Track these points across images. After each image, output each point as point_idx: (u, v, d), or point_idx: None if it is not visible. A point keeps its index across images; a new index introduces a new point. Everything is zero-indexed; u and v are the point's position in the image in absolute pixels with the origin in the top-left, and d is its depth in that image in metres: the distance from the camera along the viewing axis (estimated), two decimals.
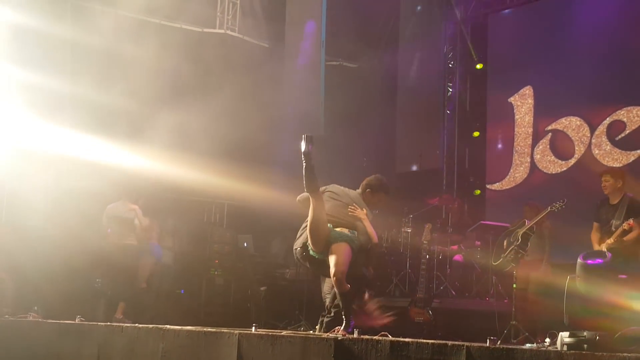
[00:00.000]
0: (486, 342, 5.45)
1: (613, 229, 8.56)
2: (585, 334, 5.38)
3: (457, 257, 12.26)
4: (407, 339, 5.62)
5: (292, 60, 15.05)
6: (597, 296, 6.89)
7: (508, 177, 14.15)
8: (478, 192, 14.79)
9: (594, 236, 8.89)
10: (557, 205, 9.55)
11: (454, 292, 11.81)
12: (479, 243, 12.15)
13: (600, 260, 7.48)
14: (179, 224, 13.32)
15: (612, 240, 8.39)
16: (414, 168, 15.11)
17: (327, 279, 7.85)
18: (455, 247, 12.39)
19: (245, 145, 13.24)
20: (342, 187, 7.78)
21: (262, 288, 12.55)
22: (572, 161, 13.23)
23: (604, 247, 8.39)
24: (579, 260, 7.46)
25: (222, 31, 15.01)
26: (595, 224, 8.99)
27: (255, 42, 15.37)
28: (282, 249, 13.42)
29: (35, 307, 9.77)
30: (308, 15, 14.89)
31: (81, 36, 12.47)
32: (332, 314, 7.51)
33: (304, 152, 6.96)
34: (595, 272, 7.16)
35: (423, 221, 12.06)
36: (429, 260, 11.29)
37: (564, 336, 5.44)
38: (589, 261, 7.34)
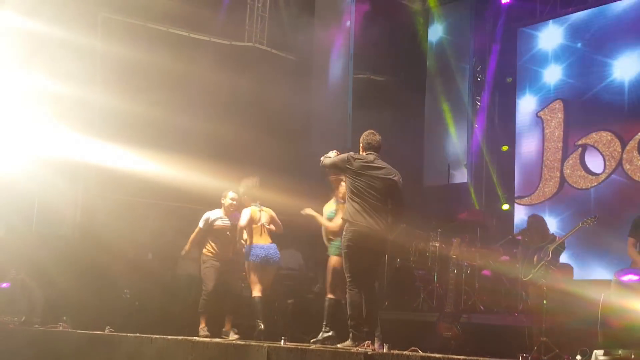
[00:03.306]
0: (518, 359, 5.40)
1: None
2: (620, 352, 5.32)
3: (486, 272, 12.16)
4: (437, 355, 5.57)
5: (320, 73, 15.08)
6: (632, 313, 6.80)
7: (537, 191, 14.04)
8: (507, 207, 14.71)
9: (633, 251, 8.77)
10: (588, 220, 9.45)
11: (482, 307, 11.72)
12: (507, 258, 12.05)
13: (636, 278, 7.39)
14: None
15: None
16: (442, 182, 15.05)
17: None
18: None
19: (273, 156, 13.24)
20: None
21: (290, 301, 12.50)
22: (603, 176, 13.10)
23: None
24: (614, 278, 7.39)
25: (250, 44, 15.06)
26: (632, 240, 8.84)
27: (283, 55, 15.40)
28: (310, 261, 13.35)
29: (65, 317, 9.81)
30: (336, 29, 14.93)
31: (111, 48, 12.57)
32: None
33: None
34: (631, 289, 7.08)
35: (451, 235, 11.97)
36: (457, 275, 11.20)
37: (599, 354, 5.38)
38: (624, 278, 7.26)
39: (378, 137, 7.64)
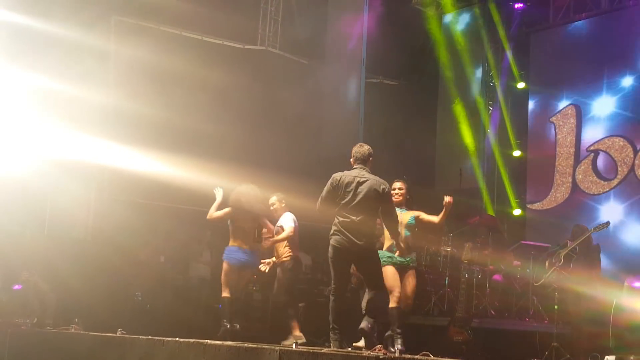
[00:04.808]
0: None
1: None
2: (632, 358, 5.32)
3: (497, 277, 12.14)
4: (448, 359, 5.58)
5: (332, 77, 15.09)
6: None
7: (549, 197, 14.03)
8: (519, 211, 14.69)
9: None
10: (600, 226, 9.43)
11: (493, 312, 11.70)
12: (517, 263, 12.03)
13: None
14: (216, 237, 13.33)
15: None
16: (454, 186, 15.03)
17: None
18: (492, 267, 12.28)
19: (283, 159, 13.26)
20: None
21: (301, 304, 12.50)
22: (615, 182, 13.07)
23: None
24: (626, 284, 7.39)
25: (263, 48, 15.08)
26: None
27: (295, 59, 15.41)
28: (324, 264, 13.35)
29: (77, 319, 9.84)
30: (349, 33, 14.95)
31: (124, 51, 12.61)
32: None
33: None
34: None
35: (463, 240, 11.95)
36: (469, 280, 11.18)
37: (610, 359, 5.37)
38: (636, 285, 7.26)
39: (365, 148, 7.53)
